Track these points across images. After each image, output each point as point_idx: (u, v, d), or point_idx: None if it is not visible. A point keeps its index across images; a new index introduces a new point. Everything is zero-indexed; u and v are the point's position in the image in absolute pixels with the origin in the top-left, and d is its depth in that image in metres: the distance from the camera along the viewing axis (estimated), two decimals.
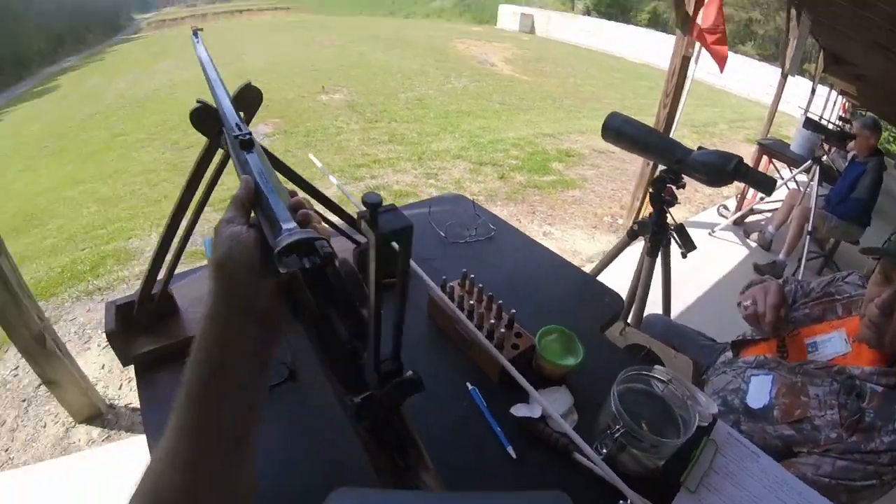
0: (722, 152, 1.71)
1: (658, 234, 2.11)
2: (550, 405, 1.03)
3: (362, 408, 0.56)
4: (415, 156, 6.72)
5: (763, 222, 5.04)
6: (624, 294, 1.62)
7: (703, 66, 4.13)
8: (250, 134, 0.69)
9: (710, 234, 4.79)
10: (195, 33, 1.07)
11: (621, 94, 12.99)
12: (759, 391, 1.32)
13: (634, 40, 22.01)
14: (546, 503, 0.50)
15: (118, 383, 2.96)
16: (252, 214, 0.61)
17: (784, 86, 6.12)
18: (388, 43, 18.72)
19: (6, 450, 2.61)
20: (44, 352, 2.32)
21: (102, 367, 3.08)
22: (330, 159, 6.66)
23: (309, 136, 7.72)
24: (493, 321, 1.19)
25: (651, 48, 20.63)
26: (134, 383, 2.82)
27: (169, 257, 1.09)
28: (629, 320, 2.20)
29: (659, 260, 2.21)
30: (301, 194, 0.69)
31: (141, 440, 2.53)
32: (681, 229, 2.08)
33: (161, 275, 1.12)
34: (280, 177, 0.75)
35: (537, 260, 1.71)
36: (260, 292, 0.54)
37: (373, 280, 0.50)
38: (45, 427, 2.71)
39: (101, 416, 2.70)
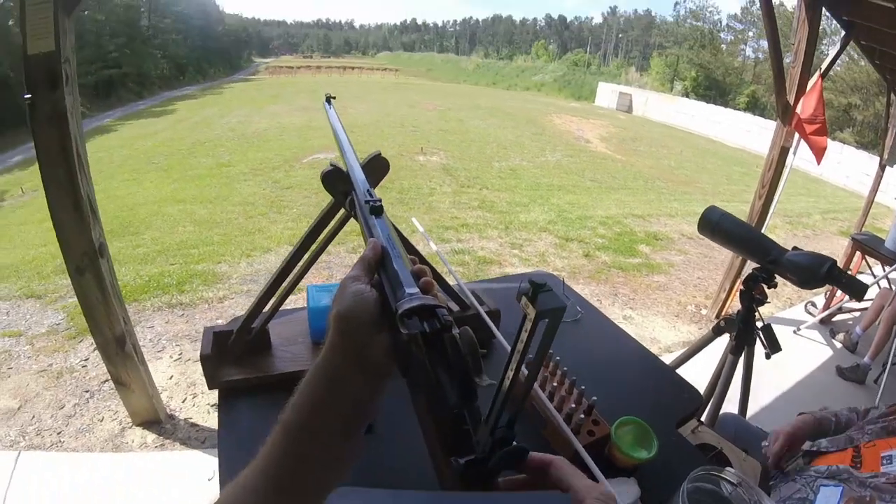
0: (815, 254, 1.67)
1: (744, 333, 2.03)
2: (618, 496, 0.99)
3: (467, 470, 0.55)
4: (502, 224, 6.76)
5: (851, 322, 4.73)
6: (702, 388, 1.55)
7: (798, 153, 4.01)
8: (380, 201, 0.73)
9: (795, 331, 4.52)
10: (328, 100, 1.15)
11: (715, 179, 12.69)
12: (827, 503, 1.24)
13: (732, 124, 21.72)
14: (546, 503, 0.48)
15: (182, 396, 3.03)
16: (375, 275, 0.63)
17: (882, 176, 5.82)
18: (488, 112, 19.32)
19: (58, 432, 2.71)
20: (121, 353, 2.41)
21: (170, 378, 3.18)
22: (420, 218, 6.70)
23: (403, 194, 7.95)
24: (573, 406, 1.18)
25: (748, 132, 20.36)
26: (198, 400, 2.92)
27: (274, 298, 1.13)
28: (704, 416, 2.11)
29: (741, 357, 2.12)
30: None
31: (193, 455, 2.59)
32: (768, 330, 2.01)
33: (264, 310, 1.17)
34: None
35: (621, 347, 1.67)
36: (374, 348, 0.56)
37: (520, 350, 0.51)
38: (101, 421, 2.80)
39: (159, 423, 2.76)
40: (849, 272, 3.75)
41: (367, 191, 0.78)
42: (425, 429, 0.59)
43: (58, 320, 3.88)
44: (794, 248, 1.76)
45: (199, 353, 1.15)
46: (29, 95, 1.81)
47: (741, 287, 1.97)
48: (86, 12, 26.27)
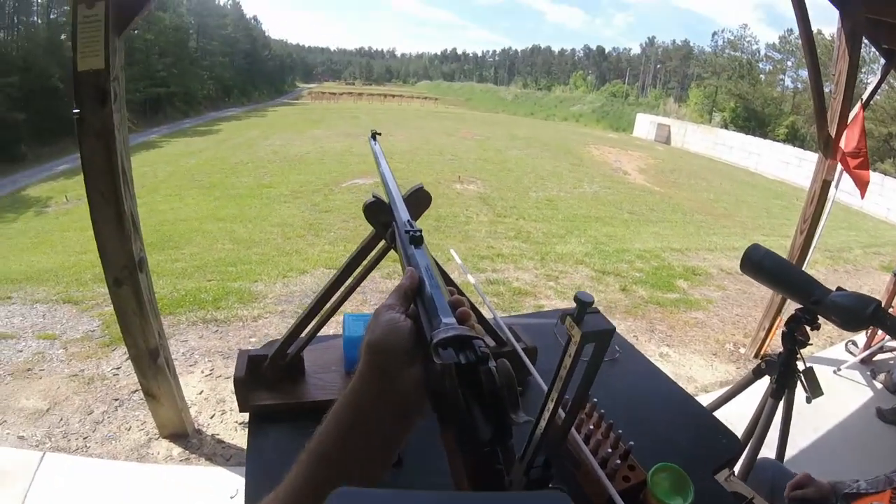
0: (860, 295, 1.63)
1: (785, 376, 1.96)
2: None
3: None
4: (538, 255, 6.70)
5: (892, 362, 4.52)
6: (738, 430, 1.51)
7: (839, 185, 3.90)
8: (420, 231, 0.74)
9: (834, 371, 4.33)
10: (374, 136, 1.18)
11: (755, 212, 12.43)
12: None
13: (771, 155, 21.35)
14: (546, 503, 0.47)
15: (211, 412, 3.03)
16: (412, 306, 0.63)
17: None
18: (526, 142, 19.48)
19: (85, 437, 2.74)
20: (153, 366, 2.43)
21: (200, 393, 3.18)
22: (455, 246, 6.79)
23: (440, 222, 7.98)
24: (609, 450, 1.13)
25: (788, 164, 20.03)
26: (226, 417, 2.91)
27: (311, 325, 1.13)
28: (741, 461, 2.01)
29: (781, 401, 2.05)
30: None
31: (217, 472, 2.57)
32: (810, 373, 1.95)
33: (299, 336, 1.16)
34: None
35: (659, 389, 1.61)
36: (405, 379, 0.55)
37: (563, 378, 0.49)
38: (128, 430, 2.81)
39: (186, 437, 2.76)
40: (892, 309, 3.58)
41: (408, 221, 0.79)
42: (454, 467, 0.56)
43: (93, 327, 3.96)
44: (839, 289, 1.71)
45: (230, 370, 1.15)
46: (77, 111, 1.86)
47: (783, 328, 1.91)
48: (136, 31, 27.38)
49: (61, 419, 2.86)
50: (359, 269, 1.04)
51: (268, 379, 1.15)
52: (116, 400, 3.07)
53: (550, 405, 0.51)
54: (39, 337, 3.80)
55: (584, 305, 0.48)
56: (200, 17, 39.23)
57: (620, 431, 1.15)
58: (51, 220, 9.58)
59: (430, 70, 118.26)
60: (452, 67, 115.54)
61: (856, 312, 1.58)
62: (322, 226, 7.29)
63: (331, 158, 13.23)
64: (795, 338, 1.87)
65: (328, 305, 1.09)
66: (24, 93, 18.68)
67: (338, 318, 1.27)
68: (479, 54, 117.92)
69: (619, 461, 1.09)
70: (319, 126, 21.51)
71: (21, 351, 3.59)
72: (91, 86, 1.85)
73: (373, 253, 1.02)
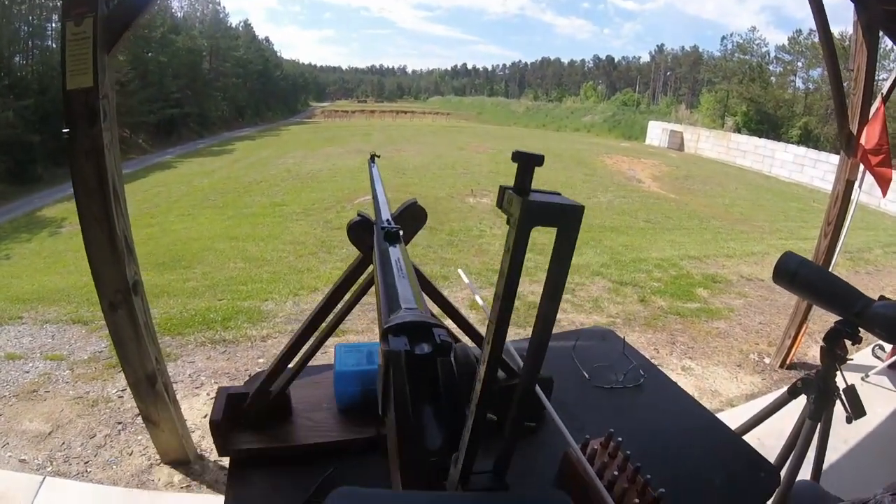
0: None
1: (825, 395, 1.82)
2: None
3: None
4: None
5: None
6: (770, 450, 1.42)
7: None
8: (398, 229, 0.72)
9: (862, 378, 4.15)
10: (372, 158, 1.20)
11: (772, 216, 12.21)
12: None
13: (785, 158, 21.05)
14: (546, 503, 0.47)
15: None
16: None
17: None
18: (538, 153, 19.32)
19: (86, 462, 2.69)
20: (151, 392, 2.35)
21: (205, 417, 3.09)
22: (469, 261, 6.72)
23: (452, 236, 7.91)
24: (636, 501, 0.96)
25: (802, 166, 19.81)
26: None
27: (296, 359, 1.03)
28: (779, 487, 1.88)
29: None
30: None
31: (218, 501, 2.47)
32: (851, 392, 1.81)
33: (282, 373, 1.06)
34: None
35: (689, 417, 1.47)
36: None
37: (501, 292, 0.44)
38: (130, 455, 2.75)
39: (188, 463, 2.69)
40: None
41: (387, 220, 0.76)
42: (393, 476, 0.50)
43: (101, 348, 3.92)
44: (881, 298, 1.58)
45: (228, 394, 1.04)
46: (67, 130, 1.80)
47: (822, 344, 1.77)
48: (149, 54, 27.91)
49: (63, 442, 2.82)
50: (347, 296, 0.94)
51: (250, 420, 1.03)
52: (119, 423, 3.01)
53: (486, 358, 0.42)
54: (47, 358, 3.77)
55: (528, 162, 0.40)
56: (213, 38, 39.76)
57: (648, 476, 1.00)
58: (64, 240, 9.67)
59: (440, 85, 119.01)
60: (463, 82, 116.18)
61: None
62: (334, 243, 7.24)
63: (343, 176, 13.25)
64: (836, 353, 1.73)
65: (315, 336, 0.99)
66: (40, 115, 19.00)
67: (329, 349, 1.17)
68: (490, 68, 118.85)
69: None
70: (332, 144, 21.69)
71: (28, 372, 3.57)
72: (81, 104, 1.80)
73: (362, 278, 0.93)
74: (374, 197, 0.95)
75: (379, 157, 1.21)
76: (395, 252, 0.65)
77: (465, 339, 1.16)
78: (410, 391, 0.44)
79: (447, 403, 0.45)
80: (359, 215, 0.87)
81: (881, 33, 3.26)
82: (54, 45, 22.52)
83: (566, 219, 0.44)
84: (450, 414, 0.45)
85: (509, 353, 1.15)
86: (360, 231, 0.87)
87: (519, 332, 4.39)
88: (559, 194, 0.46)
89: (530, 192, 0.43)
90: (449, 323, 0.97)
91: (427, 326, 0.46)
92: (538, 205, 0.42)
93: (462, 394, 0.45)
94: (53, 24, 22.93)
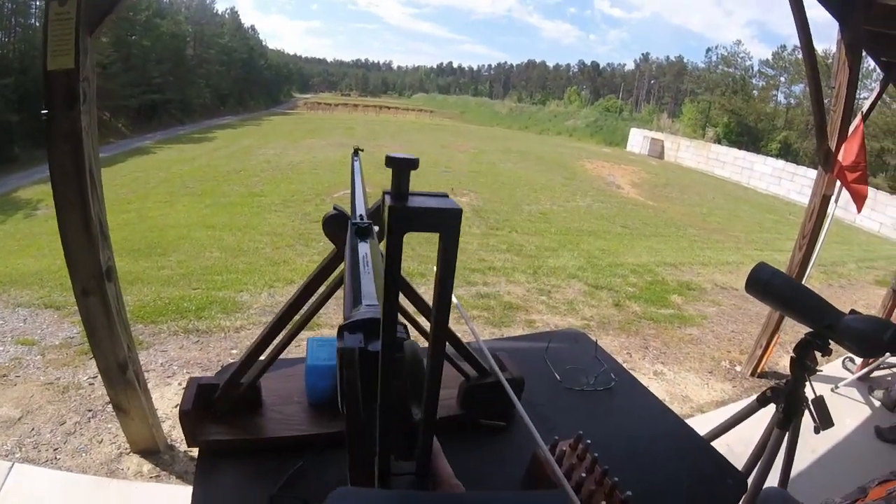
0: (876, 319, 1.56)
1: (793, 405, 1.85)
2: None
3: None
4: (530, 269, 6.58)
5: (890, 378, 4.43)
6: (738, 456, 1.46)
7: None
8: (370, 224, 0.71)
9: (832, 389, 4.25)
10: (356, 152, 1.17)
11: (748, 227, 12.40)
12: None
13: (764, 170, 21.42)
14: (546, 503, 0.47)
15: None
16: None
17: None
18: (520, 155, 19.48)
19: (55, 449, 2.66)
20: (122, 379, 2.33)
21: (175, 407, 3.07)
22: None
23: (431, 235, 7.82)
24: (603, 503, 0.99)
25: (780, 179, 20.16)
26: None
27: (268, 351, 1.02)
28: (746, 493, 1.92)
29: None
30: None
31: (187, 491, 2.45)
32: (820, 403, 1.85)
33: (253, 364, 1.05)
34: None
35: (658, 422, 1.49)
36: None
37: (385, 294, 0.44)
38: (100, 443, 2.73)
39: (157, 453, 2.67)
40: None
41: (361, 215, 0.75)
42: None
43: (72, 334, 3.88)
44: (852, 311, 1.62)
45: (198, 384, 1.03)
46: (46, 111, 1.77)
47: (792, 355, 1.80)
48: (133, 37, 27.41)
49: (33, 429, 2.78)
50: (321, 291, 0.93)
51: (220, 411, 1.03)
52: (90, 411, 2.98)
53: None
54: (18, 342, 3.72)
55: (402, 167, 0.41)
56: (198, 24, 39.19)
57: (616, 479, 1.02)
58: (40, 223, 9.45)
59: (425, 83, 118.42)
60: (448, 81, 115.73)
61: (873, 338, 1.50)
62: (311, 235, 7.22)
63: (324, 168, 13.17)
64: (805, 364, 1.77)
65: (287, 329, 0.98)
66: (20, 95, 18.51)
67: (301, 342, 1.17)
68: (475, 68, 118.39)
69: None
70: (314, 136, 21.50)
71: None
72: (61, 86, 1.77)
73: (335, 273, 0.92)
74: (353, 191, 0.94)
75: (362, 151, 1.20)
76: (363, 247, 0.65)
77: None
78: (363, 388, 0.44)
79: (396, 402, 0.45)
80: (334, 209, 0.86)
81: (864, 53, 3.34)
82: (37, 24, 21.98)
83: (445, 224, 0.42)
84: (400, 411, 0.46)
85: (482, 352, 1.16)
86: (335, 225, 0.87)
87: (494, 331, 4.42)
88: (446, 196, 0.44)
89: (408, 197, 0.42)
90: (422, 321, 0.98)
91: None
92: (413, 210, 0.41)
93: (407, 389, 0.46)
94: (38, 3, 22.35)
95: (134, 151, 18.53)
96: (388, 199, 0.41)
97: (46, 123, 1.80)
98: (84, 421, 2.89)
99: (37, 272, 5.50)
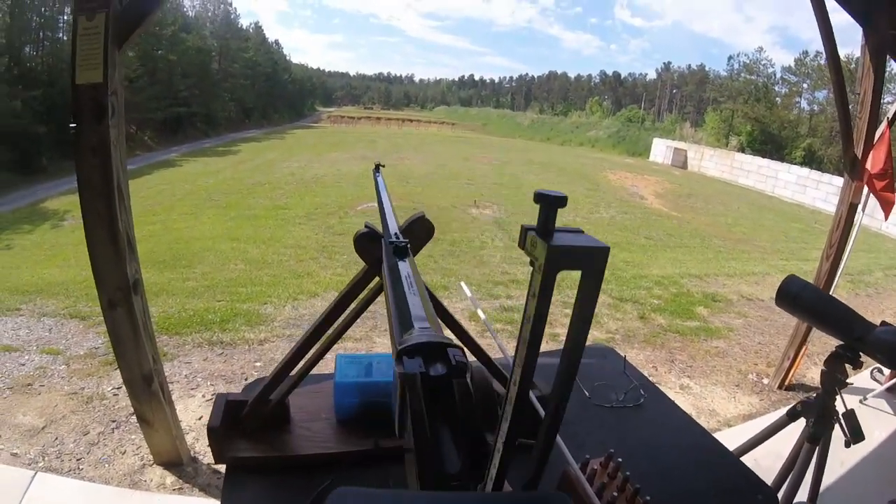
0: None
1: (824, 419, 1.81)
2: None
3: None
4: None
5: None
6: (767, 471, 1.44)
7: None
8: (407, 243, 0.72)
9: (860, 401, 4.12)
10: (377, 168, 1.19)
11: (773, 236, 12.20)
12: None
13: (788, 178, 21.10)
14: (546, 503, 0.46)
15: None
16: None
17: None
18: (542, 167, 19.54)
19: (78, 458, 2.67)
20: (147, 391, 2.34)
21: (199, 419, 3.08)
22: (469, 272, 6.70)
23: (454, 246, 7.89)
24: None
25: (805, 187, 19.87)
26: None
27: (298, 368, 1.02)
28: None
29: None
30: None
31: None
32: (851, 416, 1.80)
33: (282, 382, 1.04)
34: None
35: (688, 438, 1.46)
36: None
37: (528, 336, 0.43)
38: (123, 454, 2.73)
39: (180, 465, 2.67)
40: None
41: (395, 234, 0.76)
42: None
43: (97, 344, 3.91)
44: (883, 323, 1.58)
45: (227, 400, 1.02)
46: (74, 125, 1.79)
47: (823, 368, 1.76)
48: (159, 52, 27.98)
49: (56, 438, 2.80)
50: (353, 305, 0.93)
51: (248, 427, 1.02)
52: (114, 421, 3.00)
53: (512, 397, 0.42)
54: (43, 351, 3.77)
55: (551, 204, 0.40)
56: (223, 39, 39.92)
57: (648, 498, 0.99)
58: (66, 233, 9.66)
59: (447, 95, 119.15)
60: (469, 93, 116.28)
61: None
62: (335, 248, 7.24)
63: (347, 181, 13.28)
64: (836, 377, 1.72)
65: (318, 346, 0.97)
66: (47, 106, 19.04)
67: (329, 358, 1.15)
68: (496, 80, 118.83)
69: None
70: (337, 149, 21.77)
71: (23, 365, 3.57)
72: (89, 99, 1.79)
73: (366, 291, 0.93)
74: (381, 209, 0.94)
75: (384, 166, 1.20)
76: (404, 267, 0.65)
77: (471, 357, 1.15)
78: (427, 414, 0.43)
79: (465, 426, 0.44)
80: (366, 227, 0.87)
81: (888, 58, 3.27)
82: (65, 38, 22.60)
83: (591, 261, 0.41)
84: (468, 437, 0.44)
85: (510, 368, 1.14)
86: (367, 242, 0.86)
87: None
88: (581, 231, 0.43)
89: (554, 234, 0.41)
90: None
91: (442, 347, 0.45)
92: (563, 249, 0.40)
93: (477, 414, 0.45)
94: (65, 17, 22.98)
95: (160, 164, 18.90)
96: (535, 236, 0.41)
97: (75, 137, 1.82)
98: (108, 431, 2.91)
99: (63, 282, 5.60)
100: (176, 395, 3.24)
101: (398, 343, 0.46)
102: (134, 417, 2.91)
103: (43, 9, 23.07)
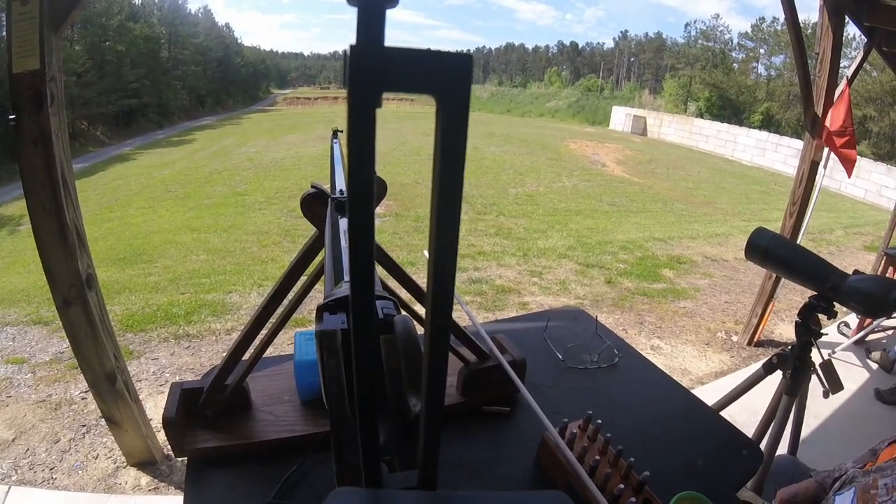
0: (882, 279, 1.57)
1: (801, 371, 1.84)
2: None
3: None
4: (520, 251, 6.57)
5: (885, 341, 4.45)
6: (746, 425, 1.45)
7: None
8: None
9: (829, 354, 4.25)
10: (335, 134, 1.13)
11: (734, 198, 12.47)
12: None
13: (747, 142, 21.59)
14: (546, 503, 0.45)
15: None
16: None
17: None
18: (503, 139, 19.38)
19: (51, 468, 2.61)
20: (111, 390, 2.28)
21: None
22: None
23: (419, 222, 7.81)
24: (620, 486, 0.93)
25: (764, 150, 20.35)
26: None
27: (252, 348, 0.96)
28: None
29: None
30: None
31: None
32: (828, 366, 1.86)
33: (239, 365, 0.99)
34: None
35: (666, 396, 1.45)
36: None
37: None
38: (96, 459, 2.68)
39: (154, 464, 2.63)
40: None
41: (340, 190, 0.71)
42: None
43: (62, 349, 3.79)
44: (855, 272, 1.61)
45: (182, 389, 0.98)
46: (13, 116, 1.70)
47: (797, 319, 1.79)
48: (106, 43, 26.95)
49: (27, 449, 2.72)
50: (304, 279, 0.88)
51: (206, 416, 0.97)
52: (84, 426, 2.93)
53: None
54: (8, 362, 3.63)
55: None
56: (172, 26, 38.57)
57: (632, 459, 0.97)
58: (23, 238, 9.31)
59: None
60: None
61: (879, 298, 1.48)
62: (298, 231, 7.15)
63: (306, 163, 13.08)
64: (811, 328, 1.76)
65: (271, 322, 0.93)
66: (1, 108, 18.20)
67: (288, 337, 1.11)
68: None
69: (633, 499, 0.91)
70: (295, 132, 21.40)
71: None
72: (27, 88, 1.70)
73: (319, 258, 0.86)
74: (332, 169, 0.89)
75: (342, 132, 1.12)
76: (344, 223, 0.58)
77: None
78: (349, 378, 0.37)
79: (391, 389, 0.39)
80: (313, 187, 0.81)
81: (846, 18, 3.31)
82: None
83: (444, 79, 0.27)
84: (394, 403, 0.39)
85: (480, 336, 1.11)
86: (315, 204, 0.81)
87: (488, 315, 4.39)
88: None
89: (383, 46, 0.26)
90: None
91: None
92: (393, 54, 0.26)
93: (402, 373, 0.38)
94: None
95: (114, 159, 18.34)
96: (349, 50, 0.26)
97: (15, 129, 1.73)
98: (78, 437, 2.84)
99: (23, 289, 5.41)
100: (145, 393, 3.18)
101: (325, 296, 0.41)
102: (103, 420, 2.86)
103: None
